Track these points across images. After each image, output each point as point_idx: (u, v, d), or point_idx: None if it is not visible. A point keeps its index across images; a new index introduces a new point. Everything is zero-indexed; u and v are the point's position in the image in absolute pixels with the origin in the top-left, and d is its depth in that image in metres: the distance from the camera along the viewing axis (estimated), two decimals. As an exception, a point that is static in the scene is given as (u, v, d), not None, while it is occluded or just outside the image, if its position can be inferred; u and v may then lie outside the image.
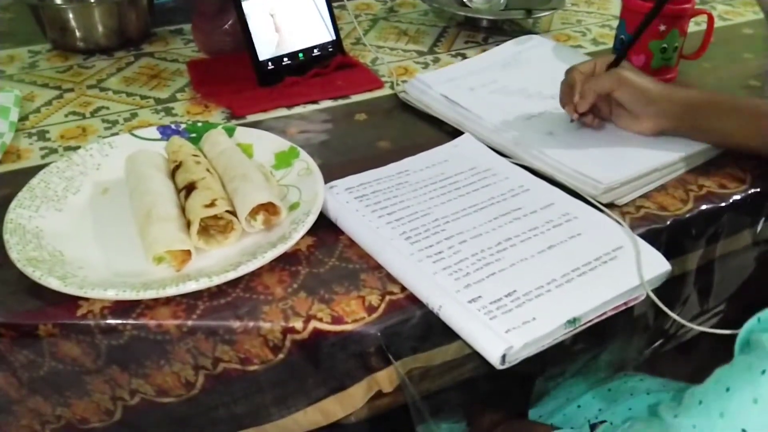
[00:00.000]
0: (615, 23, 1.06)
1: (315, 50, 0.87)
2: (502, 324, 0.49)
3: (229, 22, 0.90)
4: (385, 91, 0.86)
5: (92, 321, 0.51)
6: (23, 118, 0.78)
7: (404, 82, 0.87)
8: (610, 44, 1.00)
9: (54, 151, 0.72)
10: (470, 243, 0.57)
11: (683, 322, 0.57)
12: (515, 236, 0.58)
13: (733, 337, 0.45)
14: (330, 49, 0.89)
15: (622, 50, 0.73)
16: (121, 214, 0.61)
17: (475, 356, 0.51)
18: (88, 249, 0.57)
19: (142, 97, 0.83)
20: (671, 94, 0.69)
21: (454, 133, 0.76)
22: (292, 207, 0.61)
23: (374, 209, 0.61)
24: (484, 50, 0.97)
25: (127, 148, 0.68)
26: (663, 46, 0.86)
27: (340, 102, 0.83)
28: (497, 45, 0.98)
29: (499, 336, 0.48)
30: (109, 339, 0.51)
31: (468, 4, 1.05)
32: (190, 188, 0.60)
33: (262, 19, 0.83)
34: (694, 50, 0.90)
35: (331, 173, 0.66)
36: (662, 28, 0.85)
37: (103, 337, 0.51)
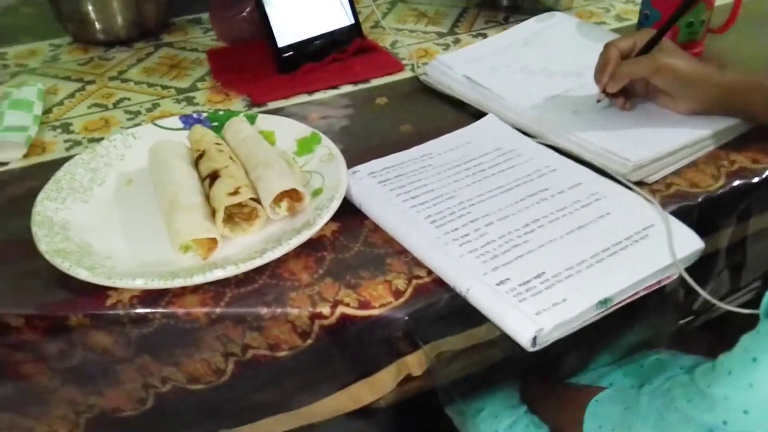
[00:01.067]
0: (638, -2, 1.04)
1: (334, 35, 0.87)
2: (531, 306, 0.48)
3: (247, 10, 0.89)
4: (406, 74, 0.85)
5: (122, 310, 0.51)
6: (47, 111, 0.78)
7: (425, 64, 0.86)
8: (635, 20, 0.97)
9: (78, 143, 0.73)
10: (497, 225, 0.56)
11: (714, 301, 0.55)
12: (543, 217, 0.57)
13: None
14: (349, 34, 0.88)
15: (662, 28, 0.70)
16: (147, 205, 0.61)
17: (505, 338, 0.50)
18: (115, 240, 0.57)
19: (163, 87, 0.83)
20: (709, 77, 0.67)
21: (477, 114, 0.75)
22: (316, 193, 0.61)
23: (398, 193, 0.61)
24: (504, 29, 0.95)
25: (150, 138, 0.68)
26: (690, 20, 0.84)
27: (361, 87, 0.83)
28: (518, 24, 0.97)
29: (530, 318, 0.47)
30: (139, 328, 0.52)
31: (487, -17, 1.03)
32: (213, 176, 0.60)
33: (280, 5, 0.83)
34: (721, 24, 0.88)
35: (353, 158, 0.66)
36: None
37: (133, 326, 0.52)
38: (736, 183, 0.64)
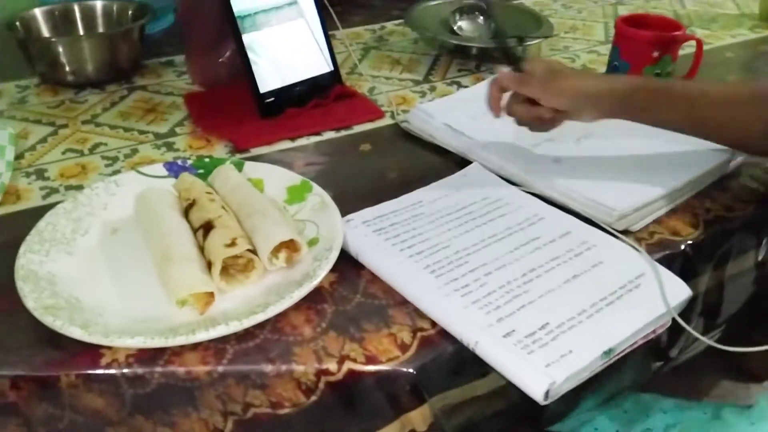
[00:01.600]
0: (601, 49, 1.09)
1: (315, 81, 0.87)
2: (540, 358, 0.49)
3: (227, 54, 0.89)
4: (387, 121, 0.86)
5: (117, 370, 0.49)
6: (18, 157, 0.76)
7: (404, 111, 0.88)
8: (601, 69, 1.02)
9: (55, 190, 0.70)
10: (495, 275, 0.57)
11: (710, 343, 0.57)
12: (539, 266, 0.58)
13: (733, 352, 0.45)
14: (329, 80, 0.89)
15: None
16: (134, 255, 0.59)
17: (507, 388, 0.50)
18: (105, 294, 0.55)
19: (141, 132, 0.81)
20: (601, 88, 0.67)
21: (461, 162, 0.76)
22: (311, 242, 0.60)
23: (394, 242, 0.61)
24: (477, 77, 0.98)
25: (133, 186, 0.66)
26: (656, 71, 0.88)
27: (343, 133, 0.83)
28: (490, 72, 0.99)
29: (541, 371, 0.47)
30: (135, 388, 0.50)
31: (458, 32, 1.06)
32: (207, 227, 0.58)
33: (262, 51, 0.83)
34: (683, 74, 0.92)
35: (343, 206, 0.66)
36: (655, 54, 0.87)
37: (129, 386, 0.49)
38: (714, 230, 0.67)
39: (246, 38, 0.81)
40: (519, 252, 0.60)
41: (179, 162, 0.70)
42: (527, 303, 0.54)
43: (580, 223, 0.65)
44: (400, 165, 0.77)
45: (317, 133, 0.82)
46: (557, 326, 0.52)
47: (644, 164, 0.73)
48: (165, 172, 0.69)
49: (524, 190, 0.70)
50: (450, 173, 0.73)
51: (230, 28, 0.81)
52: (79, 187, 0.70)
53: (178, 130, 0.82)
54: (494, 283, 0.56)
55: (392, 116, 0.87)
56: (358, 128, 0.84)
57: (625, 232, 0.64)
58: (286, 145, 0.80)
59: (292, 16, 0.86)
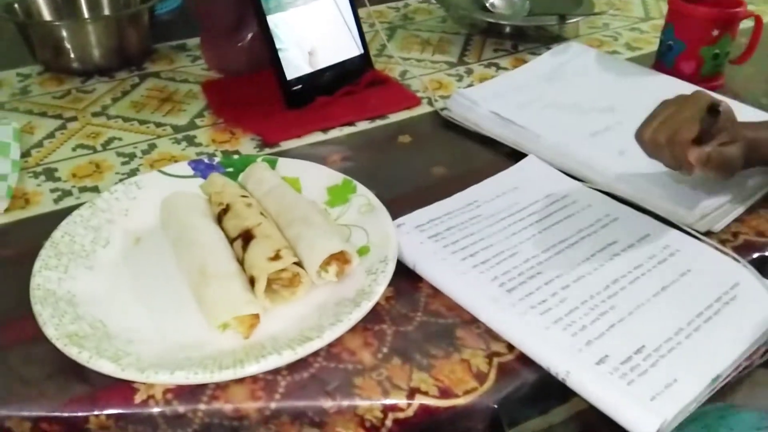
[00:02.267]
0: (642, 26, 1.02)
1: (345, 66, 0.80)
2: (643, 390, 0.42)
3: (248, 38, 0.81)
4: (424, 109, 0.79)
5: (155, 408, 0.43)
6: (24, 155, 0.68)
7: (442, 97, 0.81)
8: (646, 49, 0.94)
9: (68, 193, 0.63)
10: (575, 288, 0.50)
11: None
12: (621, 276, 0.52)
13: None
14: (359, 64, 0.81)
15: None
16: (161, 269, 0.53)
17: (589, 411, 0.44)
18: (133, 315, 0.49)
19: (158, 125, 0.74)
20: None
21: (513, 154, 0.69)
22: (361, 252, 0.54)
23: (454, 250, 0.54)
24: (516, 58, 0.90)
25: (156, 188, 0.59)
26: (715, 51, 0.81)
27: (378, 123, 0.76)
28: (528, 52, 0.92)
29: (646, 407, 0.41)
30: (176, 428, 0.43)
31: (490, 9, 0.98)
32: (246, 237, 0.52)
33: (288, 34, 0.75)
34: (738, 55, 0.85)
35: (390, 207, 0.59)
36: (715, 32, 0.80)
37: (168, 426, 0.43)
38: (802, 229, 0.60)
39: (271, 20, 0.74)
40: (596, 260, 0.53)
41: (206, 160, 0.63)
42: (616, 321, 0.47)
43: (658, 223, 0.58)
44: (445, 158, 0.70)
45: (350, 124, 0.75)
46: (655, 349, 0.45)
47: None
48: (191, 172, 0.62)
49: (590, 186, 0.63)
50: (502, 167, 0.66)
51: (253, 8, 0.73)
52: (95, 189, 0.63)
53: (198, 122, 0.75)
54: (575, 297, 0.49)
55: (430, 103, 0.80)
56: (393, 117, 0.77)
57: (707, 234, 0.58)
58: (317, 137, 0.73)
59: (320, -5, 0.78)
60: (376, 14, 1.05)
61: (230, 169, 0.63)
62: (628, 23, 1.03)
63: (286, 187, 0.58)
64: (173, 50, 0.92)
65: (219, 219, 0.55)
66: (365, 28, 0.95)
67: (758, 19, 0.83)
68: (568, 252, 0.54)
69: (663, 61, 0.84)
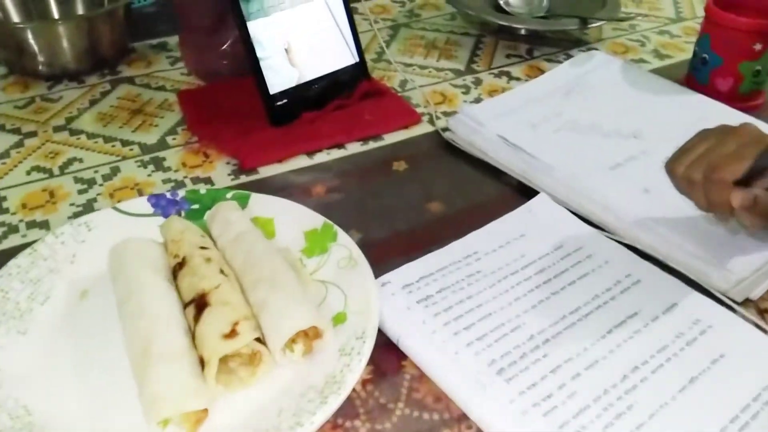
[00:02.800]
0: (673, 28, 0.92)
1: (336, 76, 0.71)
2: None
3: (229, 42, 0.73)
4: (424, 128, 0.70)
5: None
6: (-28, 178, 0.61)
7: (445, 114, 0.72)
8: (677, 57, 0.85)
9: (14, 229, 0.56)
10: (586, 377, 0.42)
11: None
12: (643, 363, 0.44)
13: None
14: (353, 74, 0.72)
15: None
16: (107, 333, 0.46)
17: None
18: (66, 399, 0.42)
19: (124, 143, 0.66)
20: None
21: (521, 187, 0.61)
22: (337, 320, 0.46)
23: (446, 320, 0.46)
24: (530, 66, 0.81)
25: (110, 229, 0.52)
26: (757, 68, 0.71)
27: (372, 145, 0.67)
28: (545, 59, 0.83)
29: None
30: None
31: (504, 8, 0.89)
32: (200, 303, 0.44)
33: (271, 41, 0.67)
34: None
35: (375, 253, 0.52)
36: (758, 47, 0.70)
37: None
38: None
39: (252, 26, 0.65)
40: (614, 338, 0.45)
41: (168, 195, 0.55)
42: (635, 428, 0.39)
43: (687, 289, 0.50)
44: (444, 191, 0.61)
45: (340, 145, 0.67)
46: (681, 469, 0.38)
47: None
48: (150, 209, 0.54)
49: (608, 236, 0.55)
50: (510, 204, 0.58)
51: (232, 13, 0.65)
52: (44, 225, 0.56)
53: (169, 140, 0.67)
54: (587, 392, 0.41)
55: (431, 121, 0.71)
56: (389, 138, 0.68)
57: (744, 303, 0.50)
58: (301, 161, 0.65)
59: (309, -4, 0.69)
60: (378, 9, 0.96)
61: (196, 206, 0.55)
62: (657, 25, 0.93)
63: (256, 235, 0.51)
64: (152, 50, 0.83)
65: (174, 273, 0.48)
66: (365, 26, 0.87)
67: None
68: (580, 326, 0.46)
69: (696, 76, 0.75)
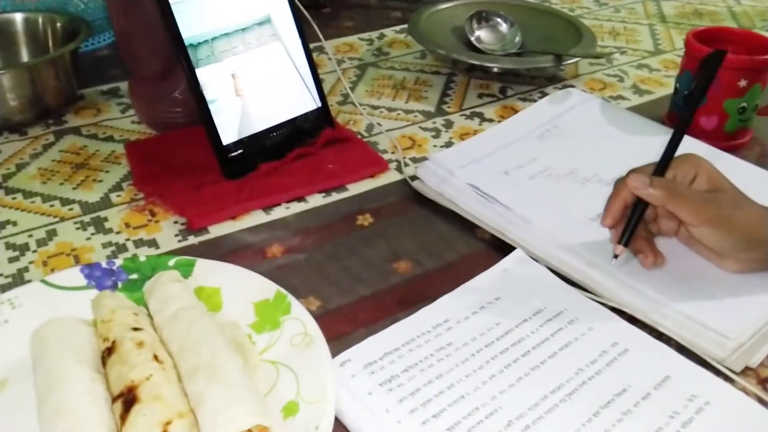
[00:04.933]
0: (651, 62, 0.89)
1: (296, 124, 0.66)
2: None
3: (180, 89, 0.68)
4: (392, 176, 0.65)
5: None
6: None
7: (414, 160, 0.67)
8: (657, 93, 0.81)
9: (-70, 308, 0.50)
10: (572, 474, 0.37)
11: None
12: (635, 452, 0.38)
13: None
14: (315, 121, 0.68)
15: (666, 152, 0.51)
16: (28, 430, 0.39)
17: None
18: None
19: (65, 202, 0.61)
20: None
21: (496, 242, 0.56)
22: (287, 411, 0.40)
23: (413, 407, 0.41)
24: (504, 107, 0.77)
25: (37, 305, 0.47)
26: (742, 105, 0.67)
27: (334, 196, 0.62)
28: (519, 98, 0.79)
29: None
30: None
31: (476, 44, 0.85)
32: (129, 398, 0.38)
33: (224, 88, 0.62)
34: (767, 103, 0.72)
35: (335, 323, 0.48)
36: (742, 83, 0.66)
37: None
38: None
39: (201, 73, 0.60)
40: (601, 422, 0.40)
41: (103, 264, 0.50)
42: None
43: (680, 359, 0.45)
44: (412, 248, 0.56)
45: (300, 199, 0.62)
46: None
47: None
48: (83, 281, 0.49)
49: (592, 297, 0.50)
50: (484, 262, 0.53)
51: (179, 60, 0.60)
52: (-36, 301, 0.50)
53: (113, 197, 0.61)
54: (572, 493, 0.36)
55: (399, 168, 0.66)
56: (354, 188, 0.64)
57: (744, 372, 0.45)
58: (257, 218, 0.59)
59: (265, 39, 0.65)
60: (345, 47, 0.91)
61: (134, 276, 0.49)
62: (634, 58, 0.90)
63: (197, 311, 0.45)
64: (103, 96, 0.78)
65: (104, 361, 0.42)
66: (329, 66, 0.83)
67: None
68: (563, 408, 0.41)
69: (678, 115, 0.71)
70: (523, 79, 0.83)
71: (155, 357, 0.41)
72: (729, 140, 0.69)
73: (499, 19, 0.87)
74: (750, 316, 0.46)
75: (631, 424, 0.40)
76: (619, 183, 0.51)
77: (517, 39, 0.85)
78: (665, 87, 0.82)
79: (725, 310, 0.47)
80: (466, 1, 0.92)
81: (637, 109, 0.76)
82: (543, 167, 0.63)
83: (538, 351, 0.45)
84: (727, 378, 0.44)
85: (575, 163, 0.64)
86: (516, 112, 0.75)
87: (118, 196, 0.62)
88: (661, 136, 0.66)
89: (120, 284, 0.49)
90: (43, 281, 0.48)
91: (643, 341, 0.46)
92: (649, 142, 0.64)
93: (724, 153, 0.64)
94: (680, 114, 0.52)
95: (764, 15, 1.06)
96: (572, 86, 0.81)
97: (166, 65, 0.66)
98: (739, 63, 0.66)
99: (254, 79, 0.64)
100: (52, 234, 0.57)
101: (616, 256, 0.50)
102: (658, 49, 0.93)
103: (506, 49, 0.84)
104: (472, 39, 0.85)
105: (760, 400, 0.42)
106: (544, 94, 0.79)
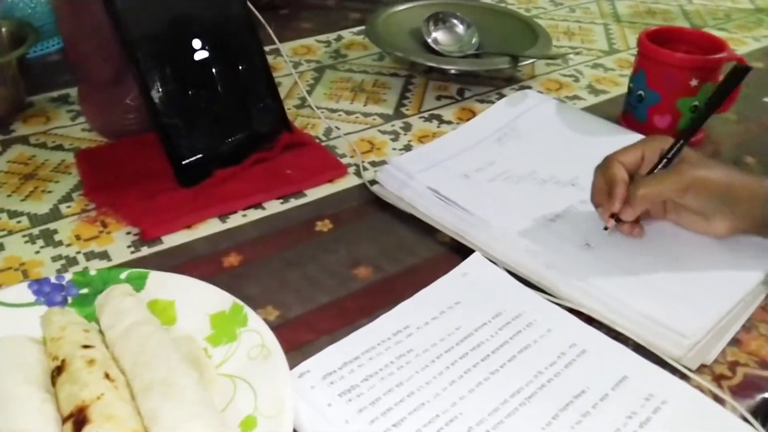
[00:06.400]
0: (606, 61, 0.90)
1: (253, 129, 0.65)
2: None
3: (132, 95, 0.66)
4: (350, 181, 0.65)
5: None
6: None
7: (373, 164, 0.67)
8: (612, 92, 0.82)
9: None
10: (532, 479, 0.37)
11: None
12: (594, 454, 0.39)
13: None
14: (272, 126, 0.67)
15: (684, 135, 0.55)
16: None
17: None
18: None
19: (12, 215, 0.59)
20: (753, 189, 0.51)
21: (456, 245, 0.56)
22: (245, 426, 0.40)
23: (373, 417, 0.40)
24: (462, 109, 0.77)
25: (-19, 324, 0.44)
26: (695, 104, 0.69)
27: (293, 202, 0.62)
28: (477, 99, 0.79)
29: None
30: None
31: (433, 45, 0.85)
32: (79, 419, 0.37)
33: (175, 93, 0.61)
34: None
35: (294, 333, 0.47)
36: (694, 83, 0.67)
37: None
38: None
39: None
40: (560, 424, 0.40)
41: (53, 279, 0.48)
42: None
43: (637, 358, 0.45)
44: (372, 253, 0.56)
45: (258, 206, 0.61)
46: None
47: (701, 246, 0.54)
48: (31, 297, 0.47)
49: (550, 299, 0.50)
50: (443, 266, 0.53)
51: (129, 63, 0.58)
52: None
53: (63, 208, 0.60)
54: (532, 498, 0.36)
55: (358, 172, 0.66)
56: (312, 193, 0.63)
57: (700, 370, 0.45)
58: (213, 226, 0.58)
59: (218, 44, 0.63)
60: (303, 50, 0.91)
61: (85, 290, 0.48)
62: (590, 58, 0.91)
63: (151, 325, 0.44)
64: (52, 103, 0.76)
65: (54, 380, 0.41)
66: (285, 69, 0.82)
67: (742, 63, 0.71)
68: (523, 412, 0.41)
69: (633, 114, 0.72)
70: (481, 80, 0.83)
71: (107, 375, 0.40)
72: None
73: (455, 21, 0.87)
74: (705, 313, 0.47)
75: (589, 426, 0.40)
76: (603, 168, 0.54)
77: (474, 40, 0.86)
78: (620, 86, 0.83)
79: (681, 308, 0.47)
80: (424, 2, 0.92)
81: (592, 109, 0.77)
82: (502, 170, 0.63)
83: (498, 355, 0.45)
84: (683, 376, 0.45)
85: (533, 164, 0.64)
86: (474, 113, 0.75)
87: (69, 207, 0.60)
88: (616, 135, 0.68)
89: (70, 299, 0.48)
90: (-11, 298, 0.47)
91: (600, 342, 0.46)
92: (605, 142, 0.64)
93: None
94: (690, 124, 0.57)
95: (715, 14, 1.08)
96: (529, 87, 0.81)
97: (117, 71, 0.65)
98: (691, 63, 0.67)
99: (209, 83, 0.62)
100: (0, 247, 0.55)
101: (606, 229, 0.54)
102: (613, 49, 0.94)
103: (464, 50, 0.85)
104: (429, 41, 0.85)
105: (716, 397, 0.43)
106: (501, 95, 0.79)
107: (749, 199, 0.51)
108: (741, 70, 0.59)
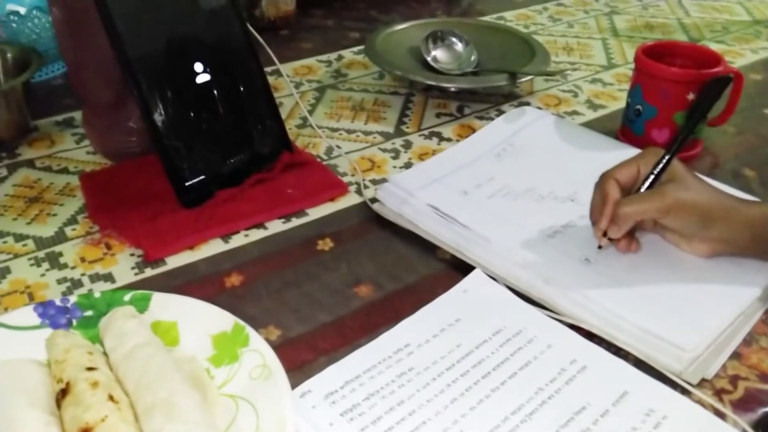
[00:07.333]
0: (605, 76, 0.91)
1: (254, 150, 0.66)
2: None
3: (134, 117, 0.67)
4: (351, 199, 0.65)
5: None
6: None
7: (374, 182, 0.67)
8: (611, 107, 0.83)
9: None
10: (533, 497, 0.37)
11: None
12: (595, 472, 0.39)
13: None
14: (273, 146, 0.68)
15: (671, 149, 0.55)
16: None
17: None
18: None
19: (18, 238, 0.60)
20: (733, 212, 0.52)
21: (456, 262, 0.56)
22: (248, 445, 0.40)
23: (374, 435, 0.41)
24: (461, 126, 0.78)
25: (-13, 347, 0.45)
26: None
27: (294, 222, 0.62)
28: (476, 116, 0.80)
29: None
30: None
31: (432, 63, 0.86)
32: (83, 441, 0.37)
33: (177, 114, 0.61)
34: (718, 113, 0.74)
35: (296, 353, 0.47)
36: (690, 96, 0.68)
37: None
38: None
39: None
40: (561, 442, 0.41)
41: (57, 301, 0.49)
42: None
43: (637, 373, 0.45)
44: (373, 271, 0.56)
45: (260, 225, 0.61)
46: None
47: (700, 262, 0.54)
48: (36, 320, 0.48)
49: (550, 315, 0.50)
50: (444, 283, 0.54)
51: (131, 88, 0.59)
52: None
53: (68, 231, 0.60)
54: None
55: (359, 191, 0.66)
56: (314, 212, 0.63)
57: (701, 384, 0.45)
58: (216, 246, 0.59)
59: (219, 67, 0.64)
60: (304, 70, 0.92)
61: (89, 313, 0.49)
62: (588, 73, 0.92)
63: (153, 347, 0.44)
64: (57, 127, 0.77)
65: (59, 403, 0.41)
66: (286, 89, 0.83)
67: (738, 76, 0.71)
68: (524, 429, 0.41)
69: (631, 128, 0.73)
70: (480, 97, 0.84)
71: (110, 397, 0.40)
72: (681, 152, 0.70)
73: (454, 39, 0.88)
74: (706, 328, 0.47)
75: (591, 442, 0.40)
76: (598, 185, 0.55)
77: (473, 58, 0.87)
78: (618, 101, 0.83)
79: (681, 323, 0.48)
80: (422, 21, 0.93)
81: (591, 124, 0.78)
82: (501, 186, 0.64)
83: (498, 372, 0.45)
84: (684, 391, 0.45)
85: (532, 180, 0.64)
86: (473, 130, 0.75)
87: (73, 229, 0.61)
88: (614, 150, 0.68)
89: (75, 322, 0.48)
90: (-5, 322, 0.47)
91: (601, 357, 0.47)
92: (603, 157, 0.65)
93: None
94: (675, 135, 0.58)
95: (713, 26, 1.09)
96: (528, 103, 0.82)
97: (119, 94, 0.66)
98: (686, 77, 0.67)
99: (210, 105, 0.63)
100: (5, 272, 0.56)
101: (600, 247, 0.55)
102: (611, 63, 0.95)
103: (462, 68, 0.85)
104: (429, 59, 0.86)
105: (717, 412, 0.43)
106: (500, 112, 0.80)
107: (727, 223, 0.52)
108: (722, 81, 0.59)
